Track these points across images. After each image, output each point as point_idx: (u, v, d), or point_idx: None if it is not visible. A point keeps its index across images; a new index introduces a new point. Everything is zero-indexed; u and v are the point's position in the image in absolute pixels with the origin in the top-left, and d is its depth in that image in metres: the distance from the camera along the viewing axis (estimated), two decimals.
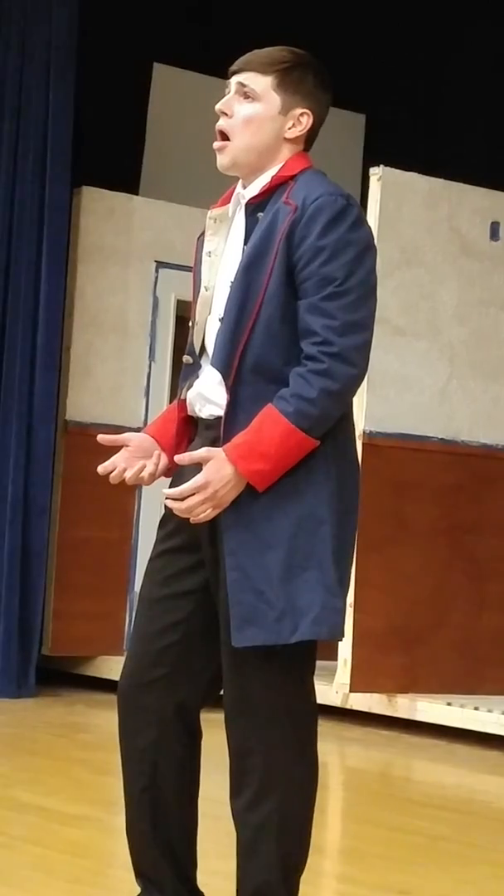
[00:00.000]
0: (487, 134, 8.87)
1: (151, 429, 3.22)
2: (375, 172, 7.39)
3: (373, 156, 8.02)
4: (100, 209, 8.23)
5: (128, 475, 3.12)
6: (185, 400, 3.12)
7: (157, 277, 8.42)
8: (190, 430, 3.13)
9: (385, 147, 8.64)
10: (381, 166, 7.39)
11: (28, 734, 6.65)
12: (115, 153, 8.48)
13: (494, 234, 7.69)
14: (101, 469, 3.13)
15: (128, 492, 8.20)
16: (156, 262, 8.40)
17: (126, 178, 8.53)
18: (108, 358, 8.23)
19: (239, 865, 3.06)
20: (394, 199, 7.32)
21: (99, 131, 8.24)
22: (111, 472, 3.13)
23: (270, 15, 8.77)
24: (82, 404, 8.13)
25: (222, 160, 3.11)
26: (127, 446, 3.16)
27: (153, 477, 3.15)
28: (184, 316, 8.50)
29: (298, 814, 3.03)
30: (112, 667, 7.94)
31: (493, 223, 7.68)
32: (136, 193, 8.56)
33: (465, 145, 8.84)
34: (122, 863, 4.31)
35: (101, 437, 3.18)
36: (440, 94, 9.18)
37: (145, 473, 3.13)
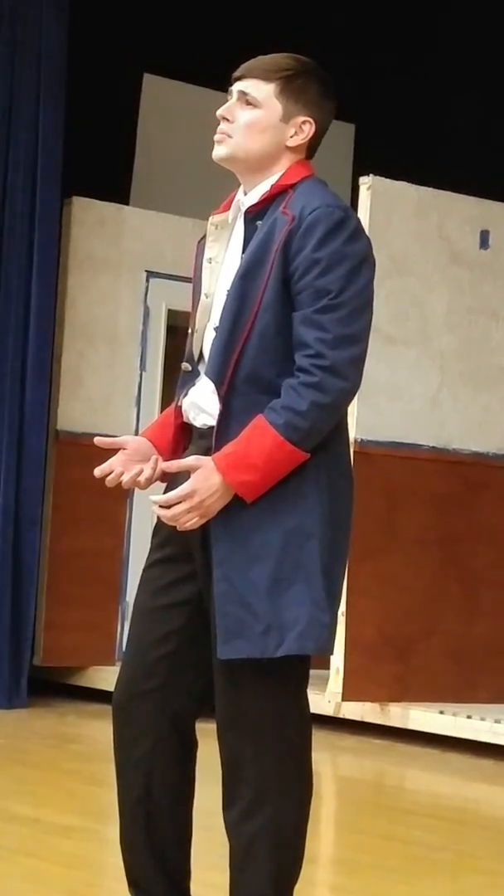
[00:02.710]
0: (477, 143, 8.89)
1: (149, 433, 3.20)
2: (365, 182, 7.40)
3: (362, 165, 8.04)
4: (90, 219, 8.24)
5: (124, 479, 3.10)
6: (181, 407, 3.11)
7: (147, 287, 8.43)
8: (186, 437, 3.11)
9: (375, 156, 8.65)
10: (371, 175, 7.40)
11: (20, 745, 6.64)
12: (105, 163, 8.48)
13: (484, 243, 7.70)
14: (97, 471, 3.10)
15: (119, 501, 8.20)
16: (146, 271, 8.41)
17: (116, 189, 8.53)
18: (99, 368, 8.23)
19: (232, 877, 3.05)
20: (384, 208, 7.33)
21: (89, 141, 8.24)
22: (107, 475, 3.11)
23: (260, 25, 8.78)
24: (73, 414, 8.12)
25: (219, 150, 3.07)
26: (124, 449, 3.14)
27: (150, 481, 3.12)
28: (175, 325, 8.53)
29: (292, 825, 3.01)
30: (104, 677, 7.93)
31: (482, 232, 7.69)
32: (127, 203, 8.57)
33: (454, 154, 8.85)
34: (115, 874, 4.30)
35: (98, 440, 3.15)
36: (430, 104, 9.19)
37: (142, 478, 3.10)
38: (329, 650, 2.97)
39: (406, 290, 7.45)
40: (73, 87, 7.93)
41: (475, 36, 8.92)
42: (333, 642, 3.00)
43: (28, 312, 7.77)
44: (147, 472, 3.10)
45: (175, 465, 2.98)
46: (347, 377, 2.92)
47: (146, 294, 8.43)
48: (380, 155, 8.66)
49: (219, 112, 3.08)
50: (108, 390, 8.25)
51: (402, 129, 9.23)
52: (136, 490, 9.47)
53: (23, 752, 6.47)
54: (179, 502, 2.93)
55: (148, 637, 3.10)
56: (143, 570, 3.18)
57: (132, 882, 3.17)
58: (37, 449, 7.78)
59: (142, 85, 8.86)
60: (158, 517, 3.03)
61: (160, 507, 2.96)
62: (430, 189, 7.56)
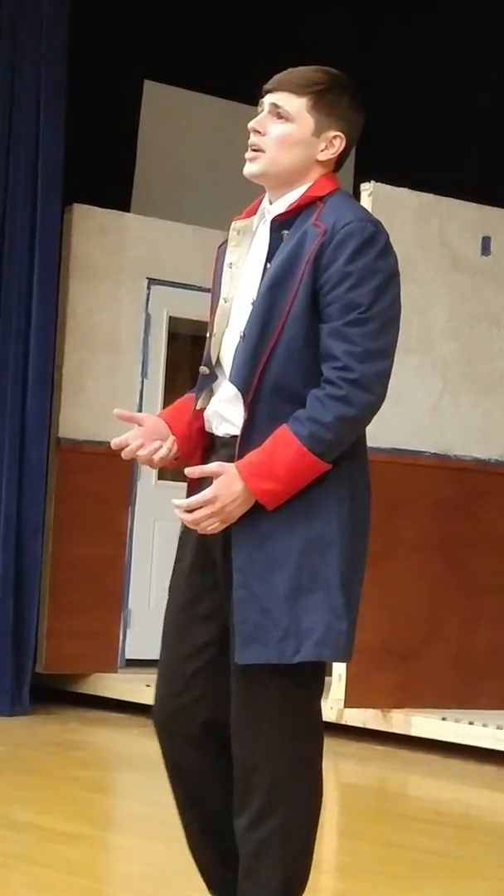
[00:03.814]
0: (478, 149, 8.89)
1: (165, 414, 3.22)
2: (366, 188, 7.41)
3: (363, 171, 8.04)
4: (91, 227, 8.24)
5: (141, 453, 3.12)
6: (201, 411, 3.13)
7: (148, 294, 8.43)
8: (203, 441, 3.13)
9: (376, 162, 8.65)
10: (372, 182, 7.41)
11: (22, 752, 6.63)
12: (106, 171, 8.49)
13: (485, 249, 7.70)
14: (114, 443, 3.13)
15: (121, 509, 8.20)
16: (147, 279, 8.41)
17: (117, 196, 8.54)
18: (101, 375, 8.23)
19: (240, 883, 3.06)
20: (385, 214, 7.30)
21: (90, 149, 8.25)
22: (123, 448, 3.13)
23: (260, 33, 8.80)
24: (75, 422, 8.12)
25: (252, 168, 3.07)
26: (140, 426, 3.16)
27: (163, 460, 3.14)
28: (176, 333, 8.54)
29: (301, 833, 3.03)
30: (106, 684, 7.93)
31: (483, 238, 7.70)
32: (128, 211, 8.57)
33: (455, 160, 8.86)
34: (118, 881, 4.32)
35: (117, 412, 3.18)
36: (431, 110, 9.20)
37: (157, 455, 3.12)
38: (346, 658, 2.99)
39: (407, 297, 7.36)
40: (74, 93, 7.94)
41: (476, 43, 8.93)
42: (352, 650, 3.00)
43: (29, 320, 7.77)
44: (163, 451, 3.12)
45: (198, 471, 3.00)
46: (374, 391, 2.96)
47: (147, 301, 8.44)
48: (381, 161, 8.66)
49: (250, 124, 3.09)
50: (110, 398, 8.25)
51: (403, 136, 9.23)
52: (138, 497, 9.41)
53: (25, 760, 6.46)
54: (201, 507, 2.95)
55: (181, 651, 3.12)
56: (172, 576, 3.20)
57: (207, 883, 3.20)
58: (38, 456, 7.78)
59: (143, 92, 8.87)
60: (183, 527, 3.06)
61: (182, 510, 2.98)
62: (431, 195, 7.57)
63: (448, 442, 7.61)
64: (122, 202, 8.57)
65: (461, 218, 7.65)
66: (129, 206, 8.67)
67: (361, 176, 7.81)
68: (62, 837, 4.76)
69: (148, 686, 7.73)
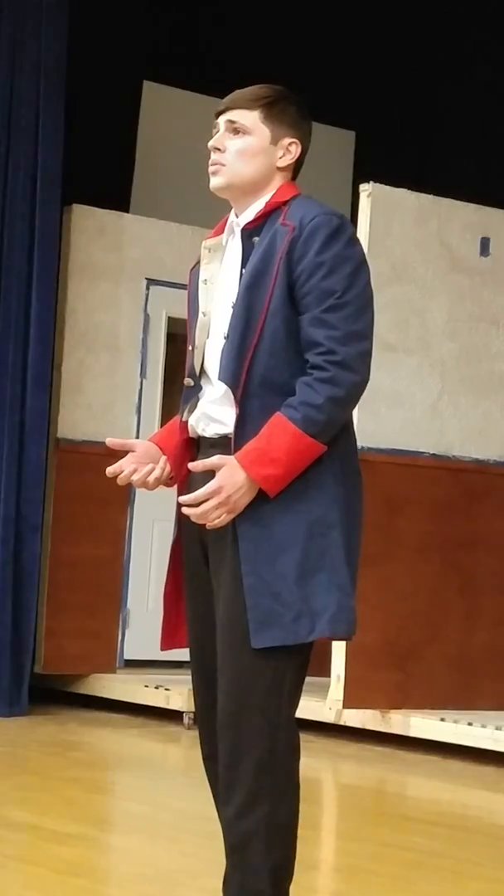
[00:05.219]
0: (477, 150, 8.90)
1: (156, 437, 3.34)
2: (365, 189, 7.41)
3: (363, 172, 8.04)
4: (90, 227, 8.24)
5: (135, 478, 3.24)
6: (187, 422, 3.21)
7: (147, 294, 8.44)
8: (191, 451, 3.21)
9: (375, 163, 8.66)
10: (371, 182, 7.41)
11: (20, 752, 6.63)
12: (105, 171, 8.49)
13: (484, 250, 7.70)
14: (109, 470, 3.23)
15: (119, 509, 8.20)
16: (146, 279, 8.42)
17: (116, 196, 8.54)
18: (100, 375, 8.24)
19: (229, 875, 3.09)
20: (384, 215, 7.33)
21: (89, 149, 8.25)
22: (117, 475, 3.23)
23: (258, 33, 8.80)
24: (74, 421, 8.12)
25: (217, 180, 3.24)
26: (133, 452, 3.27)
27: (158, 482, 3.26)
28: (175, 333, 8.54)
29: (286, 824, 3.07)
30: (104, 685, 7.92)
31: (482, 238, 7.70)
32: (127, 211, 8.57)
33: (454, 161, 8.86)
34: (116, 881, 4.31)
35: (109, 441, 3.29)
36: (430, 111, 9.20)
37: (151, 478, 3.24)
38: (354, 635, 3.08)
39: (406, 298, 7.45)
40: (74, 94, 7.94)
41: (475, 43, 8.93)
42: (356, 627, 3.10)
43: (28, 320, 7.77)
44: (157, 473, 3.25)
45: (200, 464, 3.09)
46: (358, 371, 3.07)
47: (146, 302, 8.44)
48: (380, 162, 8.67)
49: (210, 143, 3.25)
50: (109, 398, 8.26)
51: (402, 137, 9.24)
52: (137, 498, 9.43)
53: (23, 760, 6.46)
54: (208, 499, 3.02)
55: (206, 667, 3.16)
56: (186, 582, 3.23)
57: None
58: (37, 456, 7.78)
59: (142, 92, 8.87)
60: (176, 523, 3.14)
61: (188, 506, 3.04)
62: (431, 196, 7.57)
63: (447, 442, 7.61)
64: (121, 202, 8.57)
65: (460, 219, 7.65)
66: (129, 207, 8.67)
67: (361, 177, 7.81)
68: (60, 838, 4.76)
69: (146, 686, 7.75)
